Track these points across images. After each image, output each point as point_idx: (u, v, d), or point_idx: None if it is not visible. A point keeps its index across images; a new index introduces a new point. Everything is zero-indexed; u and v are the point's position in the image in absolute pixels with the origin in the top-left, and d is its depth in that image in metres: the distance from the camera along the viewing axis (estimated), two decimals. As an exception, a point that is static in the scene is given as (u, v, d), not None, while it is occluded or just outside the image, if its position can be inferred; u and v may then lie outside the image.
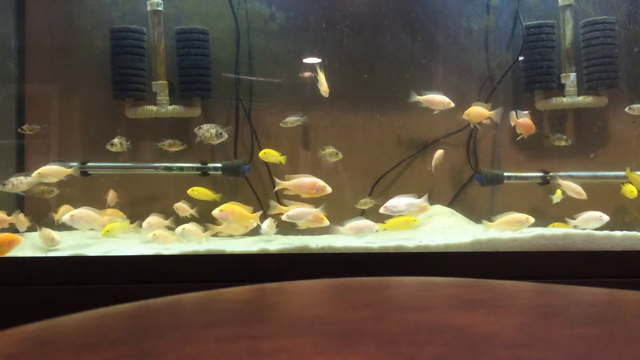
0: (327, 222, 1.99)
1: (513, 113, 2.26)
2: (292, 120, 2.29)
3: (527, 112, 2.28)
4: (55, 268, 1.75)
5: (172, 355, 0.47)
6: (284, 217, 2.01)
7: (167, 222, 2.10)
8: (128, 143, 2.26)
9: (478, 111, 2.19)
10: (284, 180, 2.04)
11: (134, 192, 2.38)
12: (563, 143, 2.42)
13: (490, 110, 2.22)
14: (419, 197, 2.05)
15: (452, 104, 2.22)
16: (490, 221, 2.05)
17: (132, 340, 0.53)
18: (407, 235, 2.15)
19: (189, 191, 2.24)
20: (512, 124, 2.27)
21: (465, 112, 2.21)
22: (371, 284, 0.76)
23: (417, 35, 2.51)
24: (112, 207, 2.19)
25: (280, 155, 2.25)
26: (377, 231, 2.03)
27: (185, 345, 0.49)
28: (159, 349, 0.49)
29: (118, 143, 2.22)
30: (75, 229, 2.05)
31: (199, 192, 2.26)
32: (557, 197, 2.25)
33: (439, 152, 2.33)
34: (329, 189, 2.02)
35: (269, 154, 2.26)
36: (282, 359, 0.44)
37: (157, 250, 1.86)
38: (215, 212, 2.00)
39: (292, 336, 0.51)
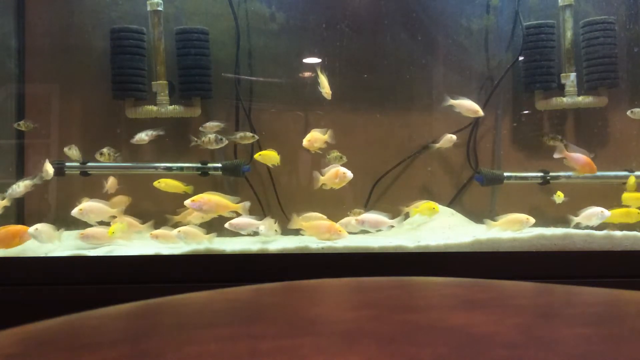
0: (345, 234, 1.96)
1: (561, 146, 2.18)
2: (213, 125, 2.27)
3: (581, 149, 2.16)
4: (55, 268, 1.75)
5: (172, 355, 0.47)
6: (226, 225, 1.98)
7: (142, 226, 2.01)
8: (117, 155, 2.21)
9: (318, 137, 2.13)
10: (320, 174, 2.05)
11: (135, 192, 2.38)
12: (558, 143, 2.42)
13: (324, 135, 2.14)
14: (425, 198, 2.11)
15: (482, 113, 2.23)
16: (493, 221, 2.05)
17: (132, 340, 0.53)
18: (407, 235, 2.15)
19: (155, 183, 2.14)
20: (561, 156, 2.17)
21: (307, 139, 2.13)
22: (371, 284, 0.76)
23: (417, 35, 2.51)
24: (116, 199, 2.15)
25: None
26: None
27: (185, 345, 0.49)
28: (159, 349, 0.49)
29: (107, 153, 2.17)
30: (75, 228, 2.04)
31: (167, 184, 2.13)
32: (558, 198, 2.25)
33: (451, 137, 2.30)
34: (349, 175, 2.03)
35: (265, 156, 2.21)
36: (282, 359, 0.44)
37: (157, 250, 1.86)
38: (187, 202, 1.94)
39: (292, 336, 0.51)
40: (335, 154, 2.22)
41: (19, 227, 1.88)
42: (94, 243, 1.94)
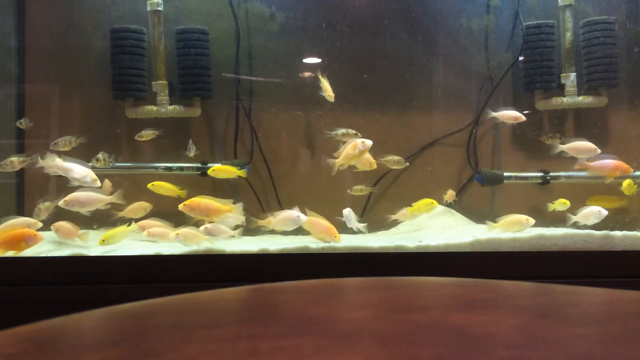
0: (339, 239, 1.97)
1: (583, 161, 2.19)
2: (148, 133, 2.26)
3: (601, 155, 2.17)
4: (55, 268, 1.75)
5: (172, 355, 0.47)
6: (201, 229, 1.97)
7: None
8: (111, 159, 2.19)
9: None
10: (336, 158, 1.99)
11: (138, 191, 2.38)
12: (557, 141, 2.42)
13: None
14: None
15: (599, 151, 2.17)
16: (494, 222, 2.06)
17: (132, 340, 0.53)
18: (407, 235, 2.15)
19: (149, 185, 2.14)
20: (584, 168, 2.19)
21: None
22: (371, 284, 0.76)
23: (417, 35, 2.51)
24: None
25: (239, 169, 2.19)
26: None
27: (185, 345, 0.49)
28: (159, 349, 0.49)
29: (102, 159, 2.15)
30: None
31: (161, 186, 2.14)
32: (563, 206, 2.24)
33: (519, 115, 2.26)
34: (369, 143, 1.97)
35: (219, 171, 2.17)
36: (282, 359, 0.44)
37: (157, 250, 1.86)
38: (181, 206, 1.94)
39: (292, 336, 0.51)
40: (393, 157, 2.18)
41: (25, 230, 1.84)
42: (63, 238, 1.92)
